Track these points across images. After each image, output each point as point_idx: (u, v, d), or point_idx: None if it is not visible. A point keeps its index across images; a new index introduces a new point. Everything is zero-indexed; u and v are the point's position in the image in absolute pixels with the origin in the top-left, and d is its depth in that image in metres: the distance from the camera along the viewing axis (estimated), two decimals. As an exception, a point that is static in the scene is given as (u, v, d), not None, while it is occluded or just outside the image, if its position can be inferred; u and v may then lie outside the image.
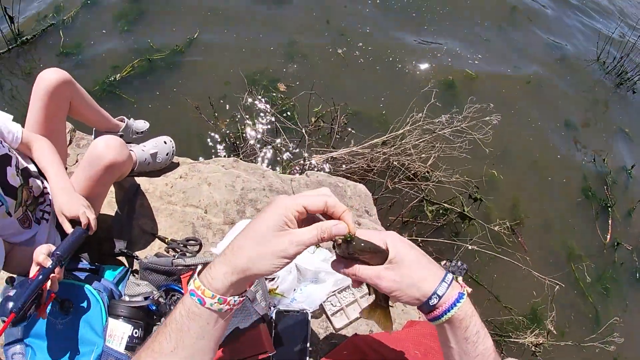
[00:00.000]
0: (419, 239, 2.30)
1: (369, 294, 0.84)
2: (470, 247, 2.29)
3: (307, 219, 0.69)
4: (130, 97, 2.64)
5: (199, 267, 0.71)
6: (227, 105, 2.71)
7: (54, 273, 1.14)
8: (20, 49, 2.97)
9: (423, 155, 2.36)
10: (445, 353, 0.78)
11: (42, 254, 1.15)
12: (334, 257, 0.77)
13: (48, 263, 1.12)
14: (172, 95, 2.74)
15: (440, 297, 0.71)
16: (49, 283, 1.13)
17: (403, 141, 2.36)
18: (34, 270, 1.17)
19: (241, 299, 0.69)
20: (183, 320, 0.67)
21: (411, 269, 0.72)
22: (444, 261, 2.32)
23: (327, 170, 2.32)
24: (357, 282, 0.77)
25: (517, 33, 3.68)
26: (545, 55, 3.60)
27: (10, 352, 1.29)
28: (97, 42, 2.98)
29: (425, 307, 0.73)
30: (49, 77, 1.49)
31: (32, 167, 1.43)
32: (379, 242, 0.73)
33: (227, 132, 2.56)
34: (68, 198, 1.34)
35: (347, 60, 3.01)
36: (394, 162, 2.29)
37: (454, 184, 2.38)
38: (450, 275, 0.74)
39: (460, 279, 1.84)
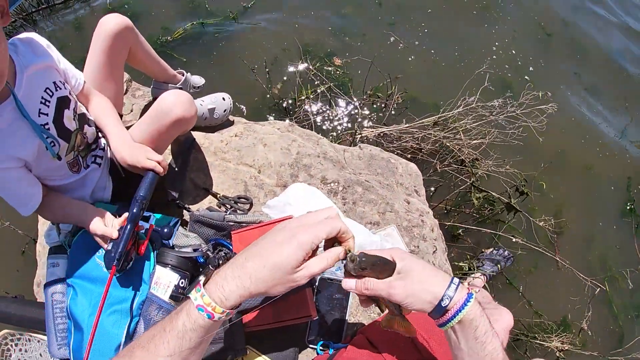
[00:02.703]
0: (463, 226, 2.25)
1: (382, 312, 0.88)
2: (514, 240, 2.24)
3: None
4: (182, 57, 2.64)
5: (202, 279, 0.76)
6: (281, 73, 2.68)
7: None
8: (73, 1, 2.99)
9: (474, 141, 2.30)
10: (455, 356, 0.82)
11: (101, 226, 1.23)
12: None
13: (114, 234, 1.18)
14: (224, 59, 2.71)
15: (451, 298, 0.76)
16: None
17: (455, 124, 2.31)
18: (102, 244, 1.24)
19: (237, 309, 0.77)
20: (186, 330, 0.72)
21: (420, 275, 0.78)
22: (490, 249, 2.28)
23: (377, 145, 2.28)
24: (366, 302, 0.86)
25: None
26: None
27: (50, 291, 1.33)
28: (149, 2, 2.98)
29: (437, 311, 0.77)
30: (111, 22, 1.48)
31: (89, 115, 1.44)
32: (386, 256, 0.81)
33: (281, 97, 2.53)
34: (129, 149, 1.36)
35: (400, 35, 2.95)
36: (446, 144, 2.24)
37: (503, 175, 2.32)
38: (456, 279, 0.79)
39: (466, 282, 1.81)
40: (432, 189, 2.35)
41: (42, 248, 1.79)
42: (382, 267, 0.79)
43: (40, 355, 1.53)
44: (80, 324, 1.21)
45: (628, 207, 2.68)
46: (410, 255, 0.82)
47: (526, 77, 2.95)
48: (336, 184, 1.67)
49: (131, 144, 1.37)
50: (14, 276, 2.14)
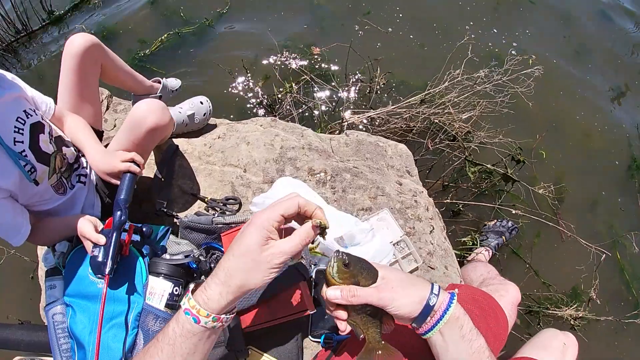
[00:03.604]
0: (460, 202, 2.22)
1: (357, 338, 0.82)
2: (514, 212, 2.21)
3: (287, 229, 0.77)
4: (161, 69, 2.63)
5: (192, 286, 0.78)
6: (262, 72, 2.67)
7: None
8: (53, 28, 3.00)
9: (464, 115, 2.26)
10: None
11: (91, 230, 1.20)
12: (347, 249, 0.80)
13: (102, 240, 1.17)
14: (204, 65, 2.71)
15: (437, 296, 0.76)
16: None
17: (442, 100, 2.27)
18: (89, 247, 1.21)
19: (232, 315, 0.78)
20: (176, 337, 0.74)
21: (402, 282, 0.78)
22: (494, 220, 2.24)
23: (365, 130, 2.25)
24: (342, 327, 0.80)
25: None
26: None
27: (51, 312, 1.32)
28: (126, 19, 2.98)
29: (425, 312, 0.76)
30: (77, 41, 1.47)
31: (66, 137, 1.45)
32: None
33: (262, 94, 2.52)
34: (102, 158, 1.35)
35: (377, 22, 2.91)
36: (435, 120, 2.20)
37: (496, 145, 2.28)
38: (436, 284, 0.79)
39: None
40: (429, 168, 2.32)
41: (43, 272, 1.79)
42: (367, 273, 0.78)
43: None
44: (82, 342, 1.20)
45: (630, 165, 2.63)
46: (384, 266, 0.82)
47: (513, 44, 2.92)
48: (323, 173, 1.65)
49: (104, 153, 1.37)
50: (24, 303, 2.15)
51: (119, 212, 1.20)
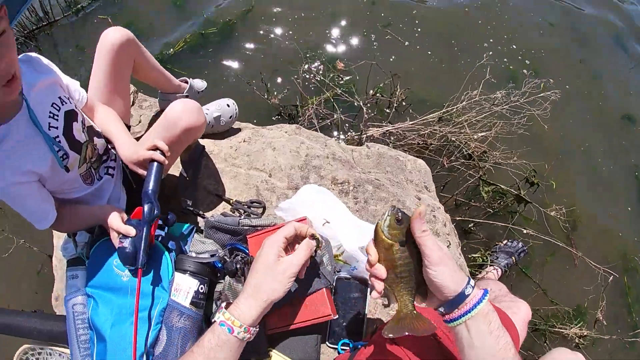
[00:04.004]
0: (473, 220, 2.26)
1: (388, 305, 0.89)
2: (525, 232, 2.24)
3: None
4: (183, 70, 2.66)
5: (224, 303, 0.97)
6: (281, 79, 2.71)
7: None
8: (74, 17, 3.04)
9: (480, 134, 2.31)
10: (466, 355, 0.82)
11: (119, 221, 1.23)
12: None
13: (132, 232, 1.19)
14: (226, 69, 2.74)
15: (472, 289, 0.79)
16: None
17: (459, 119, 2.31)
18: (115, 238, 1.24)
19: (257, 329, 0.94)
20: (211, 347, 0.88)
21: (451, 258, 0.81)
22: (505, 240, 2.28)
23: (383, 144, 2.29)
24: (379, 288, 0.84)
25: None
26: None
27: (71, 303, 1.34)
28: (147, 16, 3.02)
29: (457, 299, 0.79)
30: (113, 35, 1.50)
31: (97, 128, 1.47)
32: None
33: (284, 104, 2.55)
34: (129, 148, 1.37)
35: (401, 39, 2.96)
36: (452, 138, 2.24)
37: (511, 167, 2.32)
38: (472, 280, 0.81)
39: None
40: (443, 185, 2.36)
41: (58, 262, 1.81)
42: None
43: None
44: (103, 334, 1.22)
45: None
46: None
47: (527, 62, 2.98)
48: (347, 184, 1.68)
49: (133, 143, 1.39)
50: (31, 294, 2.17)
51: (149, 205, 1.21)
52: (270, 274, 0.94)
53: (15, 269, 2.29)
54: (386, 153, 1.88)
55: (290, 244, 1.04)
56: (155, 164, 1.28)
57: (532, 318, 2.12)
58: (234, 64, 2.76)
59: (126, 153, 1.36)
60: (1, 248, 2.29)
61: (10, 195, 1.17)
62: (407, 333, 0.82)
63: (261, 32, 2.93)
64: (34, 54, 1.25)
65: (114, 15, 2.99)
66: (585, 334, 2.08)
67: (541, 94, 2.34)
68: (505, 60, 2.96)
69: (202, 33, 2.87)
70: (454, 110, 2.35)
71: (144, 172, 1.31)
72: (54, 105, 1.24)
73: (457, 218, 2.26)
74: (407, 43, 2.93)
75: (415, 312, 0.84)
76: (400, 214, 0.81)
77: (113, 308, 1.24)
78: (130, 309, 1.21)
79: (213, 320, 0.93)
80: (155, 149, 1.30)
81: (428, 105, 2.49)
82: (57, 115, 1.23)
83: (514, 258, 2.21)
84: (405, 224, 0.81)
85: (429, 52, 2.91)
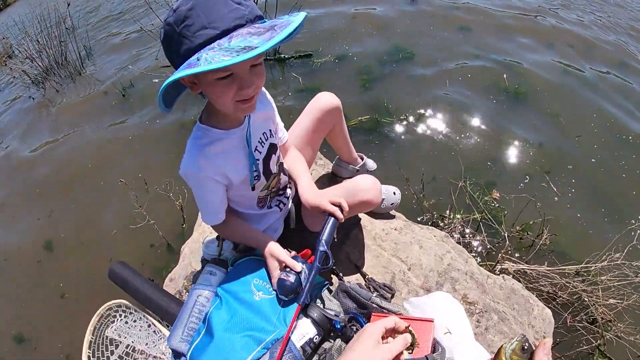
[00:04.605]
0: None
1: None
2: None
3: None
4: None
5: None
6: (436, 187, 2.90)
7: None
8: (275, 62, 3.51)
9: (612, 300, 2.25)
10: None
11: (286, 255, 1.41)
12: None
13: (298, 267, 1.36)
14: (390, 158, 3.00)
15: None
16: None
17: (595, 279, 2.29)
18: (275, 268, 1.40)
19: None
20: None
21: None
22: None
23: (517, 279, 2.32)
24: None
25: None
26: None
27: (197, 292, 1.49)
28: (335, 89, 3.38)
29: None
30: (327, 99, 1.82)
31: (286, 166, 1.72)
32: None
33: (431, 211, 2.72)
34: (315, 192, 1.57)
35: (553, 182, 3.01)
36: (583, 297, 2.22)
37: (631, 344, 2.21)
38: None
39: None
40: (556, 342, 2.30)
41: (189, 252, 2.08)
42: None
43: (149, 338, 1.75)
44: (213, 332, 1.32)
45: None
46: None
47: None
48: (475, 305, 1.77)
49: (316, 190, 1.60)
50: (139, 266, 2.51)
51: (323, 253, 1.39)
52: (367, 356, 1.01)
53: (138, 242, 2.66)
54: (519, 291, 1.93)
55: (387, 337, 1.12)
56: (332, 219, 1.47)
57: None
58: (398, 156, 3.00)
59: (309, 195, 1.57)
60: (134, 221, 2.74)
61: (201, 184, 1.36)
62: None
63: (431, 136, 3.17)
64: (262, 89, 1.51)
65: (306, 76, 3.43)
66: None
67: None
68: None
69: (377, 118, 3.18)
70: (592, 268, 2.33)
71: (314, 215, 1.52)
72: (264, 134, 1.50)
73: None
74: (557, 198, 2.98)
75: None
76: (527, 344, 0.90)
77: (234, 316, 1.35)
78: (247, 324, 1.33)
79: None
80: (338, 205, 1.49)
81: (567, 258, 2.49)
82: (264, 144, 1.49)
83: None
84: (528, 355, 0.89)
85: (580, 212, 2.91)
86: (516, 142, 3.25)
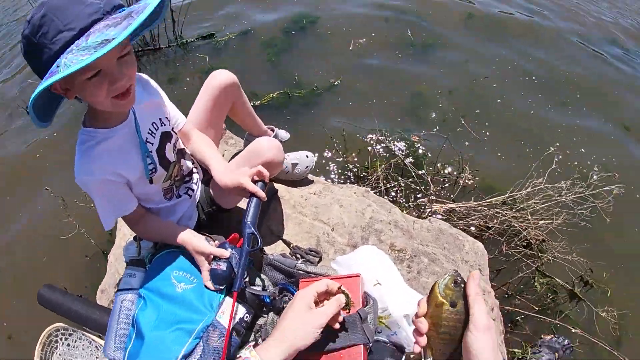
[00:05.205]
0: (522, 312, 2.23)
1: (425, 358, 0.89)
2: (573, 331, 2.19)
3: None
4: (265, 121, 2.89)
5: (252, 343, 1.11)
6: (356, 142, 2.87)
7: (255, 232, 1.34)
8: (177, 49, 3.36)
9: (542, 222, 2.32)
10: None
11: (209, 246, 1.35)
12: None
13: (226, 253, 1.32)
14: (305, 127, 2.94)
15: None
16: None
17: (523, 204, 2.35)
18: (203, 261, 1.35)
19: None
20: None
21: (495, 341, 0.80)
22: (550, 335, 2.23)
23: (445, 220, 2.34)
24: (422, 343, 0.87)
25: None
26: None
27: (121, 297, 1.42)
28: (241, 65, 3.30)
29: None
30: (222, 76, 1.72)
31: (187, 151, 1.64)
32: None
33: (355, 164, 2.70)
34: (231, 173, 1.47)
35: (468, 123, 3.07)
36: (514, 224, 2.27)
37: (568, 262, 2.29)
38: None
39: None
40: (496, 271, 2.35)
41: (114, 260, 1.97)
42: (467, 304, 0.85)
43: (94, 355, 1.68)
44: (143, 333, 1.27)
45: None
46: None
47: (593, 157, 2.98)
48: (404, 252, 1.75)
49: (232, 169, 1.51)
50: (78, 281, 2.35)
51: (250, 235, 1.33)
52: (300, 323, 1.00)
53: (69, 254, 2.50)
54: (446, 230, 1.94)
55: (321, 300, 1.11)
56: (255, 199, 1.40)
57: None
58: (313, 126, 2.95)
59: (224, 177, 1.47)
60: (63, 231, 2.54)
61: (97, 188, 1.28)
62: None
63: (343, 103, 3.14)
64: (145, 75, 1.43)
65: (212, 57, 3.30)
66: None
67: (606, 187, 2.38)
68: (574, 151, 3.01)
69: (289, 93, 3.10)
70: (518, 195, 2.39)
71: (236, 196, 1.48)
72: (154, 124, 1.40)
73: (507, 308, 2.24)
74: (480, 133, 3.04)
75: None
76: (460, 278, 0.87)
77: (160, 313, 1.29)
78: (174, 318, 1.27)
79: (239, 356, 1.00)
80: (258, 177, 1.43)
81: (493, 189, 2.54)
82: (155, 134, 1.40)
83: (557, 354, 2.15)
84: (460, 289, 0.85)
85: (499, 146, 2.99)
86: (429, 92, 3.27)
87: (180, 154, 1.57)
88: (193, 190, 1.66)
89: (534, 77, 3.51)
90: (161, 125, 1.43)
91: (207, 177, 1.72)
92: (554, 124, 3.20)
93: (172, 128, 1.51)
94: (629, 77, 3.71)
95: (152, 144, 1.39)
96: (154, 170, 1.40)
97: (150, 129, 1.38)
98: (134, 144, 1.32)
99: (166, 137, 1.45)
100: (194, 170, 1.70)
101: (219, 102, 1.76)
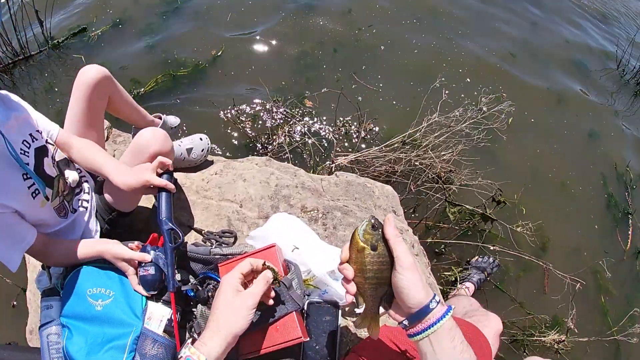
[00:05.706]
0: (443, 241, 2.33)
1: (359, 306, 0.93)
2: (492, 248, 2.32)
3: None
4: (155, 110, 2.74)
5: (189, 340, 1.03)
6: (254, 114, 2.80)
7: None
8: (50, 52, 3.10)
9: (444, 154, 2.41)
10: None
11: (129, 251, 1.27)
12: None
13: (148, 257, 1.25)
14: (196, 105, 2.83)
15: (437, 304, 0.81)
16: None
17: (423, 142, 2.42)
18: (128, 268, 1.28)
19: None
20: None
21: (420, 274, 0.84)
22: (476, 257, 2.35)
23: (353, 172, 2.37)
24: (352, 290, 0.89)
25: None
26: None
27: (45, 333, 1.32)
28: (120, 56, 3.10)
29: (422, 312, 0.81)
30: (90, 72, 1.56)
31: (70, 161, 1.49)
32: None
33: (255, 135, 2.63)
34: (132, 173, 1.36)
35: (361, 78, 3.10)
36: (416, 163, 2.33)
37: (477, 187, 2.41)
38: (437, 296, 0.84)
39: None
40: (413, 208, 2.43)
41: (32, 295, 1.81)
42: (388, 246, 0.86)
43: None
44: None
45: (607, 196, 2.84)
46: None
47: (480, 86, 3.14)
48: (316, 211, 1.74)
49: (131, 169, 1.40)
50: (5, 328, 2.15)
51: (170, 231, 1.28)
52: (231, 309, 0.98)
53: None
54: (354, 181, 1.95)
55: (249, 279, 1.08)
56: (164, 193, 1.33)
57: (511, 330, 2.19)
58: (205, 104, 2.85)
59: (126, 179, 1.35)
60: None
61: None
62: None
63: (231, 73, 3.04)
64: (3, 91, 1.27)
65: (88, 54, 3.07)
66: (562, 339, 2.13)
67: (496, 107, 2.50)
68: (461, 80, 3.19)
69: (172, 74, 2.96)
70: (417, 134, 2.45)
71: (145, 194, 1.40)
72: (25, 142, 1.26)
73: (429, 240, 2.33)
74: (371, 86, 3.08)
75: (376, 316, 0.91)
76: (377, 222, 0.87)
77: (88, 337, 1.23)
78: (104, 338, 1.21)
79: (180, 356, 0.95)
80: (162, 169, 1.36)
81: (395, 135, 2.59)
82: (28, 152, 1.26)
83: (486, 273, 2.27)
84: (379, 232, 0.86)
85: (393, 94, 3.05)
86: (315, 52, 3.24)
87: (63, 164, 1.43)
88: (87, 201, 1.54)
89: (415, 21, 3.61)
90: (33, 142, 1.29)
91: (99, 184, 1.61)
92: (440, 59, 3.34)
93: (47, 140, 1.37)
94: (507, 11, 3.98)
95: (28, 163, 1.25)
96: (37, 191, 1.27)
97: (22, 149, 1.24)
98: (9, 169, 1.19)
99: (41, 152, 1.32)
100: (83, 179, 1.56)
101: (93, 100, 1.60)
